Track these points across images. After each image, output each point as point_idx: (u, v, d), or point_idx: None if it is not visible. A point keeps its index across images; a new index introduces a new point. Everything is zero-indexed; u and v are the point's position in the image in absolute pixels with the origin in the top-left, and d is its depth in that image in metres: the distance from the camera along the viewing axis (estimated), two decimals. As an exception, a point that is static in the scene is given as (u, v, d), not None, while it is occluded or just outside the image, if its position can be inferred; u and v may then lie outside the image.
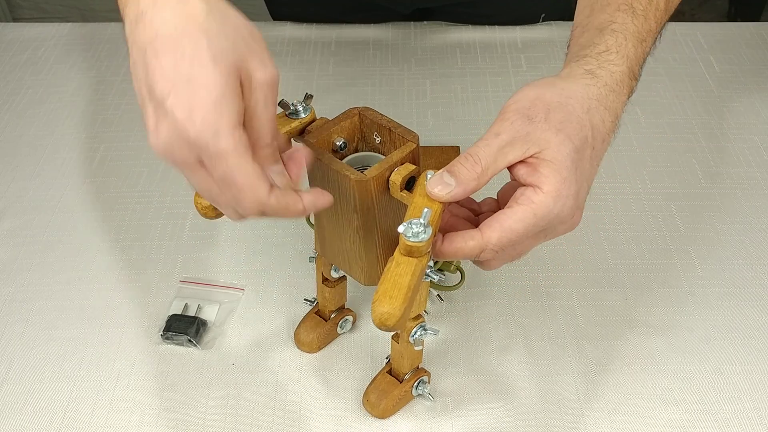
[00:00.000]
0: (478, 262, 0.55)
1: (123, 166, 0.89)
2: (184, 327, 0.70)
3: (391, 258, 0.49)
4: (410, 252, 0.48)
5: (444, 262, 0.73)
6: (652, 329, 0.71)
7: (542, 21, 1.11)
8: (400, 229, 0.48)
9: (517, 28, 1.10)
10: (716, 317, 0.72)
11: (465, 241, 0.51)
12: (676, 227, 0.81)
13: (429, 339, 0.69)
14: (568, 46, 0.62)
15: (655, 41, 0.62)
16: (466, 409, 0.65)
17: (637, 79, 0.59)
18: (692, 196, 0.85)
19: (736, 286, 0.75)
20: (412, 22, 1.12)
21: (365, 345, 0.71)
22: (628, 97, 0.58)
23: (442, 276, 0.54)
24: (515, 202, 0.52)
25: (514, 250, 0.53)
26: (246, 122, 0.47)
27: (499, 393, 0.66)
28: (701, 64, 1.05)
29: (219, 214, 0.54)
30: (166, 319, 0.71)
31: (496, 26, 1.11)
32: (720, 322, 0.72)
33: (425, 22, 1.12)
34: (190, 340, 0.69)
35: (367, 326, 0.72)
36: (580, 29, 0.61)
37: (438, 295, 0.74)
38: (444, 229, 0.54)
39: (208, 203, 0.54)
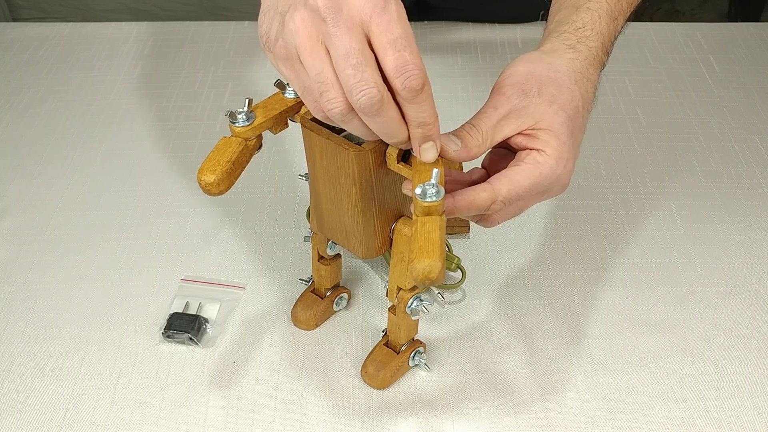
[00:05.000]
0: (483, 219, 0.58)
1: (124, 165, 0.90)
2: (185, 325, 0.70)
3: (410, 221, 0.51)
4: (428, 212, 0.50)
5: (446, 260, 0.74)
6: (653, 328, 0.71)
7: (542, 19, 1.11)
8: (417, 191, 0.50)
9: (518, 27, 1.10)
10: (716, 316, 0.73)
11: (477, 193, 0.54)
12: (676, 226, 0.82)
13: (430, 337, 0.69)
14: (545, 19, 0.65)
15: (627, 20, 0.66)
16: (467, 407, 0.65)
17: (608, 54, 0.63)
18: (692, 195, 0.85)
19: (736, 285, 0.76)
20: (412, 22, 1.12)
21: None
22: (601, 70, 0.62)
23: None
24: (521, 162, 0.55)
25: (517, 206, 0.56)
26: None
27: (500, 391, 0.66)
28: (701, 64, 1.05)
29: (221, 191, 0.53)
30: (167, 317, 0.71)
31: (496, 25, 1.11)
32: (720, 320, 0.72)
33: (425, 22, 1.12)
34: (191, 339, 0.69)
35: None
36: (557, 5, 0.65)
37: (439, 293, 0.74)
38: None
39: (212, 179, 0.52)
